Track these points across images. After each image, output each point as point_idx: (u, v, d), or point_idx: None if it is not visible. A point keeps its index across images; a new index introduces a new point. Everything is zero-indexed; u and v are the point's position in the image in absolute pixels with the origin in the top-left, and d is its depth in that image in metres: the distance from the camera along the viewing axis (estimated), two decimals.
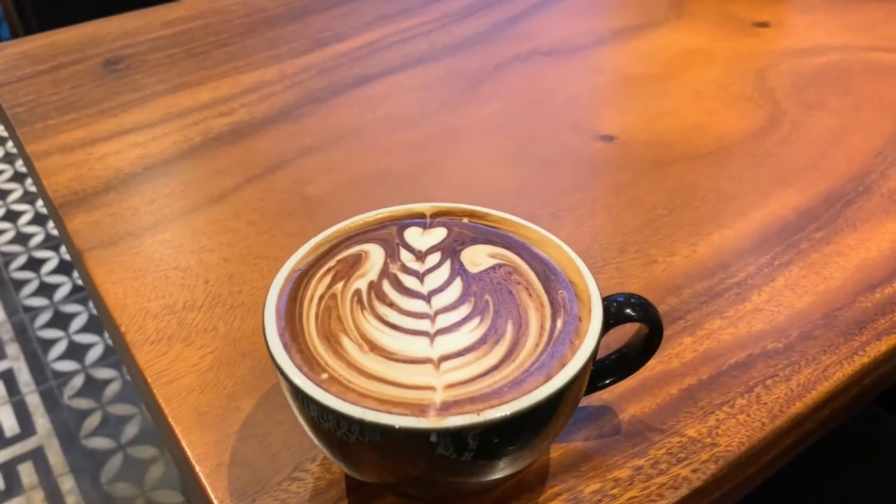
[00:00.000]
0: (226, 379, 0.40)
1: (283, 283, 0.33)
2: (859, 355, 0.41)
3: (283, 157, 0.57)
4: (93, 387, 1.39)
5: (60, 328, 1.51)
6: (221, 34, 0.73)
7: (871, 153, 0.57)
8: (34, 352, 1.46)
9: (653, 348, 0.35)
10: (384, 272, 0.33)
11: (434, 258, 0.34)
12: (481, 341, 0.30)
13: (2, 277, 1.63)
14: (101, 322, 1.49)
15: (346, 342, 0.30)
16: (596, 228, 0.50)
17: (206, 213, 0.51)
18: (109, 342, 1.47)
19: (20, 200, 1.86)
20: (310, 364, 0.29)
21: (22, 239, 1.74)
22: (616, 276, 0.46)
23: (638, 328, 0.35)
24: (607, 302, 0.33)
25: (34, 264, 1.67)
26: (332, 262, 0.34)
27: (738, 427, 0.37)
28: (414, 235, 0.36)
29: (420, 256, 0.34)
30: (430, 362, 0.29)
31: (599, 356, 0.32)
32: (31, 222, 1.79)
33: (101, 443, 1.29)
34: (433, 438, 0.27)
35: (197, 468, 0.35)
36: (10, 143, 2.00)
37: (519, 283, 0.33)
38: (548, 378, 0.28)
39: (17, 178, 1.93)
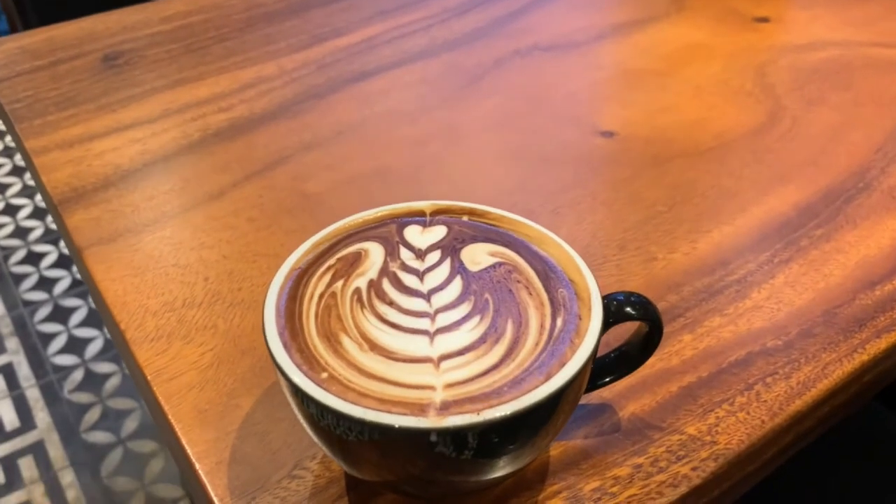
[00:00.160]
0: (225, 376, 0.40)
1: (282, 281, 0.33)
2: (859, 353, 0.41)
3: (283, 153, 0.57)
4: (93, 381, 1.39)
5: (60, 322, 1.51)
6: (220, 29, 0.72)
7: (872, 149, 0.57)
8: (34, 346, 1.47)
9: (652, 346, 0.35)
10: (384, 270, 0.33)
11: (434, 256, 0.34)
12: (481, 340, 0.30)
13: (1, 271, 1.63)
14: (100, 316, 1.49)
15: (345, 341, 0.30)
16: (596, 225, 0.50)
17: (206, 209, 0.51)
18: (109, 336, 1.47)
19: (19, 194, 1.85)
20: (309, 363, 0.29)
21: (21, 233, 1.74)
22: (616, 274, 0.46)
23: (638, 326, 0.35)
24: (607, 300, 0.33)
25: (33, 258, 1.67)
26: (331, 261, 0.34)
27: (737, 425, 0.37)
28: (414, 233, 0.35)
29: (420, 255, 0.34)
30: (430, 361, 0.29)
31: (599, 354, 0.32)
32: (31, 216, 1.79)
33: (101, 437, 1.30)
34: (433, 438, 0.27)
35: (197, 466, 0.35)
36: (8, 137, 2.00)
37: (519, 281, 0.33)
38: (548, 377, 0.28)
39: (16, 171, 1.92)
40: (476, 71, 0.67)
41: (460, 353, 0.30)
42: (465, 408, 0.27)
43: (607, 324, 0.32)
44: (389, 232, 0.35)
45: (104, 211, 0.51)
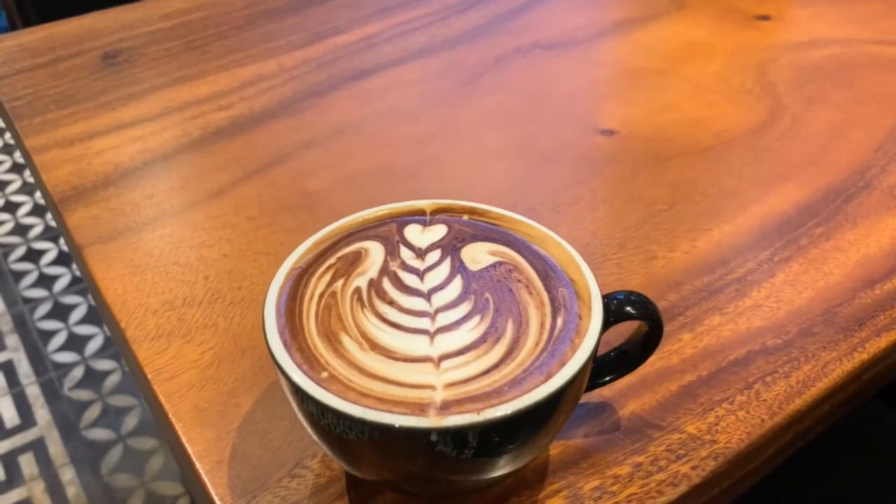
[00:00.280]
0: (226, 375, 0.40)
1: (282, 280, 0.33)
2: (858, 352, 0.41)
3: (283, 151, 0.57)
4: (92, 378, 1.39)
5: (60, 319, 1.51)
6: (220, 27, 0.72)
7: (872, 148, 0.57)
8: (34, 343, 1.47)
9: (652, 346, 0.35)
10: (384, 270, 0.33)
11: (434, 256, 0.34)
12: (481, 340, 0.30)
13: (1, 269, 1.63)
14: (100, 313, 1.49)
15: (346, 340, 0.30)
16: (596, 224, 0.50)
17: (206, 208, 0.51)
18: (109, 333, 1.47)
19: (19, 191, 1.85)
20: (310, 363, 0.29)
21: (21, 230, 1.74)
22: (616, 273, 0.46)
23: (638, 325, 0.35)
24: (607, 300, 0.33)
25: (33, 255, 1.67)
26: (332, 260, 0.34)
27: (737, 424, 0.37)
28: (414, 233, 0.35)
29: (420, 254, 0.34)
30: (431, 361, 0.29)
31: (599, 353, 0.32)
32: (30, 213, 1.79)
33: (101, 434, 1.30)
34: (433, 437, 0.27)
35: (197, 465, 0.35)
36: (7, 134, 2.00)
37: (519, 280, 0.33)
38: (548, 377, 0.28)
39: (16, 168, 1.92)
40: (477, 69, 0.67)
41: (460, 352, 0.30)
42: (465, 407, 0.27)
43: (607, 323, 0.32)
44: (390, 231, 0.35)
45: (104, 209, 0.51)
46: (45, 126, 0.59)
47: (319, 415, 0.28)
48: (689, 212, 0.51)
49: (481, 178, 0.55)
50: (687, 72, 0.67)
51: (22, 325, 1.50)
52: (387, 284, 0.33)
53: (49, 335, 1.48)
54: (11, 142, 2.01)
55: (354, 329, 0.31)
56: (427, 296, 0.32)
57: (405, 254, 0.34)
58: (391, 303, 0.32)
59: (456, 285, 0.33)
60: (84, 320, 1.51)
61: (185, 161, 0.56)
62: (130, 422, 1.31)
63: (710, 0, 0.79)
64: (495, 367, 0.29)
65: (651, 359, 0.37)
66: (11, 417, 1.33)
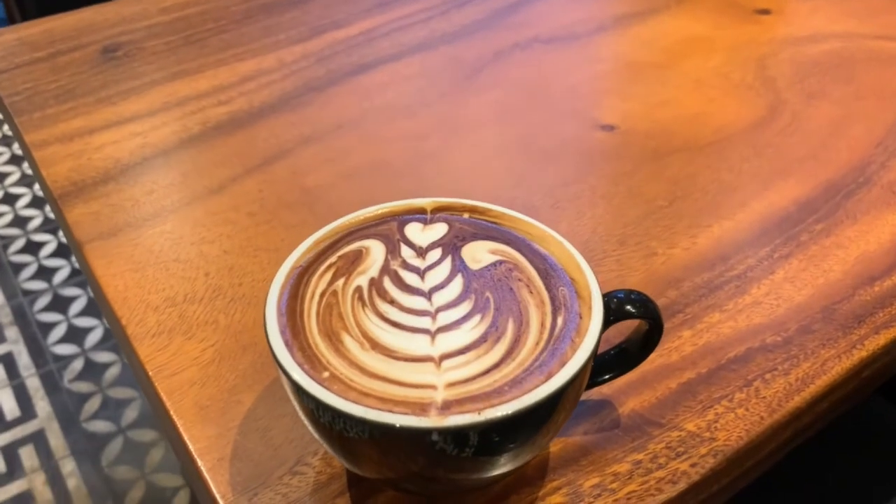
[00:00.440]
0: (227, 372, 0.40)
1: (283, 279, 0.33)
2: (858, 349, 0.41)
3: (282, 147, 0.57)
4: (92, 370, 1.39)
5: (60, 312, 1.51)
6: (219, 21, 0.72)
7: (872, 143, 0.57)
8: (33, 335, 1.47)
9: (652, 344, 0.35)
10: (385, 269, 0.33)
11: (435, 254, 0.34)
12: (482, 339, 0.30)
13: (0, 261, 1.63)
14: (101, 310, 1.49)
15: (347, 340, 0.30)
16: (596, 220, 0.50)
17: (206, 204, 0.51)
18: (108, 326, 1.47)
19: (18, 183, 1.85)
20: (311, 362, 0.29)
21: (20, 222, 1.74)
22: (616, 269, 0.46)
23: (638, 324, 0.35)
24: (607, 298, 0.33)
25: (32, 247, 1.67)
26: (332, 259, 0.34)
27: (736, 421, 0.38)
28: (415, 231, 0.35)
29: (421, 253, 0.34)
30: (431, 360, 0.29)
31: (599, 351, 0.33)
32: (29, 205, 1.78)
33: (101, 426, 1.30)
34: (434, 437, 0.27)
35: (199, 462, 0.36)
36: (6, 126, 1.99)
37: (520, 279, 0.33)
38: (548, 377, 0.28)
39: (15, 160, 1.92)
40: (476, 64, 0.67)
41: (461, 351, 0.30)
42: (466, 407, 0.27)
43: (608, 322, 0.32)
44: (390, 229, 0.36)
45: (104, 205, 0.51)
46: (44, 121, 0.59)
47: (321, 414, 0.28)
48: (689, 208, 0.51)
49: (481, 175, 0.55)
50: (687, 66, 0.67)
51: (21, 318, 1.50)
52: (387, 283, 0.33)
53: (49, 327, 1.48)
54: (10, 133, 2.00)
55: (355, 328, 0.31)
56: (428, 295, 0.32)
57: (406, 252, 0.34)
58: (392, 302, 0.32)
59: (457, 284, 0.33)
60: (84, 312, 1.51)
61: (184, 156, 0.56)
62: (130, 414, 1.32)
63: None
64: (496, 366, 0.29)
65: (651, 356, 0.37)
66: (12, 409, 1.33)
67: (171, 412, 0.38)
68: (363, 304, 0.32)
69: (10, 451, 1.26)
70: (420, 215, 0.36)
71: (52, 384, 1.37)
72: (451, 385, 0.28)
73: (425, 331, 0.31)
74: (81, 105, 0.61)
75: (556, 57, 0.69)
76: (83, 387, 1.37)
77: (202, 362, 0.40)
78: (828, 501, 0.56)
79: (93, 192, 0.52)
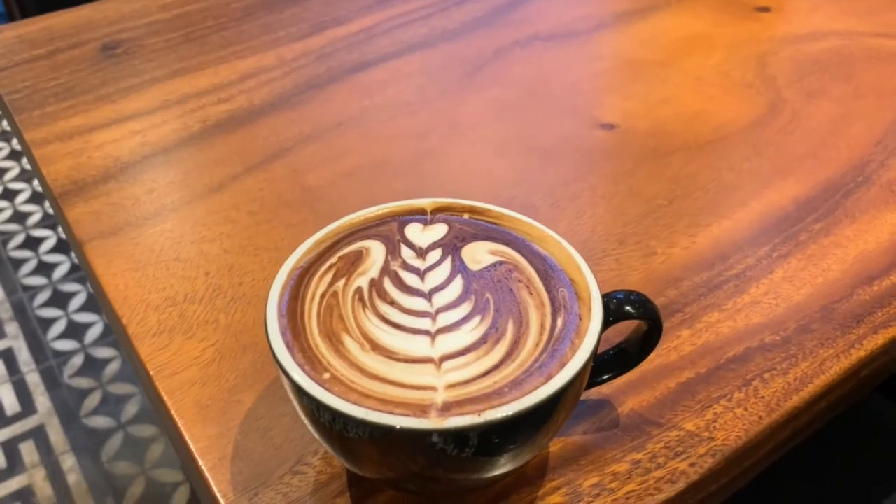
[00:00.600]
0: (227, 372, 0.40)
1: (284, 280, 0.33)
2: (856, 349, 0.41)
3: (282, 145, 0.57)
4: (92, 366, 1.39)
5: (59, 307, 1.51)
6: (219, 18, 0.72)
7: (872, 142, 0.57)
8: (33, 331, 1.47)
9: (652, 345, 0.35)
10: (385, 269, 0.33)
11: (435, 255, 0.34)
12: (482, 340, 0.30)
13: (0, 256, 1.63)
14: (101, 309, 1.49)
15: (347, 341, 0.30)
16: (596, 219, 0.50)
17: (206, 202, 0.51)
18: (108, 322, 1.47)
19: (17, 178, 1.85)
20: (312, 363, 0.29)
21: (19, 217, 1.74)
22: (615, 269, 0.46)
23: (637, 324, 0.36)
24: (607, 299, 0.33)
25: (32, 243, 1.67)
26: (333, 259, 0.34)
27: (735, 421, 0.38)
28: (415, 232, 0.36)
29: (421, 253, 0.34)
30: (432, 362, 0.29)
31: (598, 351, 0.33)
32: (29, 201, 1.78)
33: (101, 421, 1.30)
34: (434, 439, 0.27)
35: (200, 462, 0.36)
36: (5, 122, 1.99)
37: (520, 280, 0.33)
38: (548, 378, 0.29)
39: (14, 155, 1.92)
40: (476, 62, 0.67)
41: (461, 353, 0.30)
42: (466, 409, 0.28)
43: (607, 322, 0.32)
44: (390, 230, 0.36)
45: (104, 204, 0.51)
46: (44, 119, 0.59)
47: (321, 415, 0.28)
48: (689, 207, 0.51)
49: (481, 173, 0.55)
50: (687, 64, 0.67)
51: (21, 313, 1.50)
52: (388, 284, 0.33)
53: (49, 323, 1.48)
54: (9, 129, 2.00)
55: (356, 329, 0.31)
56: (428, 296, 0.32)
57: (406, 253, 0.34)
58: (392, 303, 0.32)
59: (456, 285, 0.33)
60: (83, 308, 1.51)
61: (185, 155, 0.56)
62: (130, 409, 1.32)
63: None
64: (496, 367, 0.29)
65: (650, 355, 0.37)
66: (12, 405, 1.34)
67: (173, 412, 0.38)
68: (363, 306, 0.32)
69: (11, 447, 1.27)
70: (420, 216, 0.36)
71: (52, 380, 1.37)
72: (451, 386, 0.29)
73: (425, 332, 0.31)
74: (81, 103, 0.61)
75: (556, 54, 0.69)
76: (83, 382, 1.37)
77: (203, 362, 0.40)
78: (826, 500, 0.57)
79: (93, 190, 0.52)
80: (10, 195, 1.80)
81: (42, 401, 1.34)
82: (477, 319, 0.31)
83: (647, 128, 0.59)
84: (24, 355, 1.42)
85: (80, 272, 1.59)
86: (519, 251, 0.34)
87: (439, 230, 0.36)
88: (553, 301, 0.32)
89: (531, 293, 0.32)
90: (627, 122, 0.60)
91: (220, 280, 0.45)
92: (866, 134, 0.58)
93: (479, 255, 0.34)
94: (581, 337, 0.30)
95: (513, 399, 0.28)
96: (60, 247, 1.65)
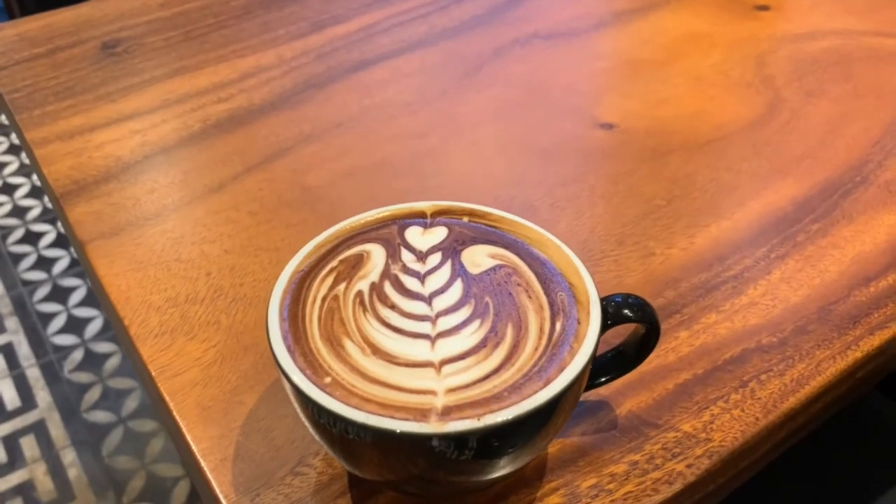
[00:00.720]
0: (229, 373, 0.40)
1: (286, 284, 0.33)
2: (852, 350, 0.42)
3: (282, 145, 0.57)
4: (92, 360, 1.40)
5: (59, 302, 1.52)
6: (219, 16, 0.72)
7: (870, 142, 0.57)
8: (33, 325, 1.47)
9: (649, 348, 0.35)
10: (385, 273, 0.34)
11: (435, 259, 0.34)
12: (481, 344, 0.31)
13: (0, 251, 1.63)
14: (103, 309, 1.50)
15: (348, 345, 0.31)
16: (595, 219, 0.50)
17: (206, 203, 0.52)
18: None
19: (16, 173, 1.85)
20: (313, 367, 0.30)
21: (19, 212, 1.74)
22: (614, 269, 0.47)
23: (635, 327, 0.36)
24: (605, 302, 0.33)
25: (32, 238, 1.67)
26: (334, 263, 0.34)
27: (732, 422, 0.38)
28: (415, 235, 0.36)
29: (421, 257, 0.35)
30: (432, 366, 0.30)
31: (597, 354, 0.33)
32: (28, 195, 1.78)
33: (101, 416, 1.31)
34: (434, 443, 0.28)
35: (202, 463, 0.36)
36: (3, 116, 1.99)
37: (519, 284, 0.33)
38: (547, 383, 0.29)
39: (13, 150, 1.92)
40: (475, 61, 0.67)
41: (461, 357, 0.30)
42: (465, 413, 0.28)
43: (605, 326, 0.33)
44: (391, 233, 0.36)
45: (106, 204, 0.51)
46: (44, 118, 0.59)
47: (322, 418, 0.29)
48: (688, 207, 0.51)
49: (480, 173, 0.55)
50: (686, 64, 0.67)
51: (21, 308, 1.51)
52: (388, 288, 0.33)
53: (48, 318, 1.49)
54: (7, 123, 2.00)
55: (356, 333, 0.31)
56: (428, 300, 0.32)
57: (406, 256, 0.35)
58: (392, 307, 0.32)
59: (456, 289, 0.33)
60: (83, 303, 1.51)
61: (185, 154, 0.56)
62: (131, 404, 1.32)
63: None
64: (495, 371, 0.30)
65: (649, 356, 0.37)
66: (12, 399, 1.34)
67: (174, 413, 0.38)
68: (364, 309, 0.32)
69: (11, 441, 1.27)
70: (420, 219, 0.37)
71: (52, 374, 1.38)
72: (451, 391, 0.29)
73: (425, 336, 0.31)
74: (81, 102, 0.61)
75: (555, 53, 0.69)
76: (83, 377, 1.37)
77: (204, 363, 0.41)
78: (825, 498, 0.57)
79: (94, 190, 0.52)
80: (9, 190, 1.80)
81: (42, 395, 1.34)
82: (476, 323, 0.31)
83: (646, 127, 0.59)
84: (24, 350, 1.43)
85: (80, 267, 1.59)
86: (518, 255, 0.35)
87: (439, 233, 0.36)
88: (552, 305, 0.32)
89: (530, 297, 0.33)
90: (627, 121, 0.60)
91: (221, 281, 0.46)
92: (864, 134, 0.58)
93: (478, 258, 0.35)
94: (580, 341, 0.31)
95: (512, 403, 0.28)
96: (60, 241, 1.65)
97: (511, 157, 0.57)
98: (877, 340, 0.42)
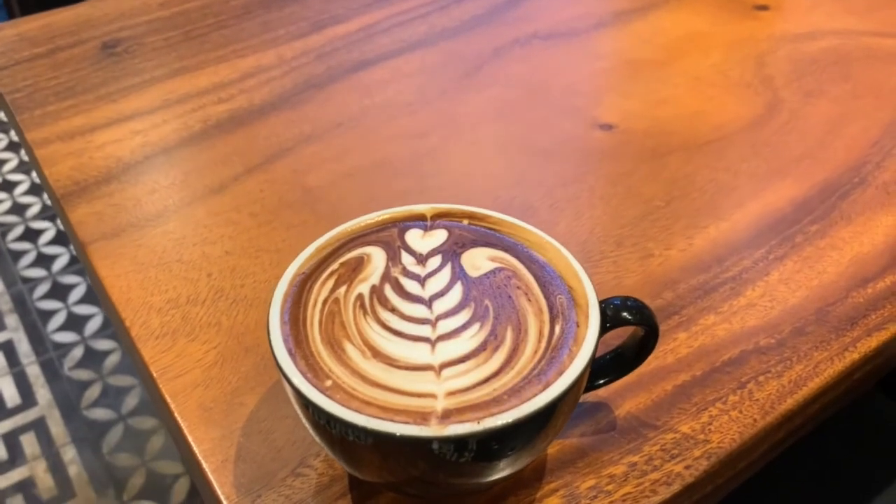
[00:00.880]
0: (230, 374, 0.40)
1: (286, 287, 0.33)
2: (850, 351, 0.42)
3: (283, 145, 0.57)
4: (92, 358, 1.40)
5: (59, 299, 1.52)
6: (219, 16, 0.72)
7: (868, 143, 0.58)
8: (33, 323, 1.47)
9: (648, 350, 0.36)
10: (386, 276, 0.34)
11: (435, 261, 0.35)
12: (481, 348, 0.31)
13: None
14: (105, 310, 1.50)
15: (349, 348, 0.31)
16: (594, 220, 0.51)
17: (207, 204, 0.52)
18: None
19: (16, 170, 1.85)
20: (314, 371, 0.30)
21: (18, 209, 1.74)
22: (613, 271, 0.47)
23: (634, 329, 0.36)
24: (604, 305, 0.33)
25: (31, 235, 1.67)
26: (334, 266, 0.34)
27: (730, 423, 0.38)
28: (415, 237, 0.36)
29: (421, 260, 0.35)
30: (432, 369, 0.30)
31: (595, 356, 0.33)
32: (28, 192, 1.78)
33: (101, 413, 1.31)
34: (434, 446, 0.28)
35: (203, 464, 0.36)
36: (2, 113, 1.98)
37: (518, 287, 0.33)
38: (546, 386, 0.29)
39: (12, 147, 1.92)
40: (475, 61, 0.67)
41: (461, 360, 0.30)
42: (465, 416, 0.28)
43: (604, 328, 0.33)
44: (391, 236, 0.36)
45: (107, 205, 0.51)
46: (45, 118, 0.59)
47: (323, 421, 0.29)
48: (686, 208, 0.52)
49: (480, 174, 0.55)
50: (686, 64, 0.67)
51: (21, 305, 1.51)
52: (388, 291, 0.33)
53: (48, 315, 1.49)
54: (5, 120, 2.00)
55: (357, 337, 0.31)
56: (428, 303, 0.33)
57: (406, 259, 0.35)
58: (393, 310, 0.32)
59: (456, 292, 0.33)
60: (83, 300, 1.52)
61: (185, 155, 0.56)
62: (131, 401, 1.33)
63: None
64: (495, 375, 0.30)
65: (647, 358, 0.37)
66: (12, 397, 1.34)
67: (176, 414, 0.38)
68: (364, 312, 0.32)
69: (12, 439, 1.27)
70: (420, 221, 0.37)
71: (52, 372, 1.38)
72: (451, 394, 0.29)
73: (426, 339, 0.31)
74: (82, 102, 0.61)
75: (555, 53, 0.69)
76: (83, 374, 1.38)
77: (205, 364, 0.41)
78: (824, 498, 0.57)
79: (95, 191, 0.52)
80: (8, 187, 1.80)
81: (42, 393, 1.35)
82: (476, 326, 0.32)
83: (646, 128, 0.60)
84: (24, 347, 1.43)
85: (80, 264, 1.59)
86: (518, 257, 0.35)
87: (439, 236, 0.36)
88: (551, 308, 0.32)
89: (530, 300, 0.33)
90: (626, 122, 0.60)
91: (222, 282, 0.46)
92: (863, 135, 0.58)
93: (478, 261, 0.35)
94: (579, 344, 0.31)
95: (512, 407, 0.28)
96: (60, 239, 1.66)
97: (511, 157, 0.57)
98: (874, 342, 0.43)
